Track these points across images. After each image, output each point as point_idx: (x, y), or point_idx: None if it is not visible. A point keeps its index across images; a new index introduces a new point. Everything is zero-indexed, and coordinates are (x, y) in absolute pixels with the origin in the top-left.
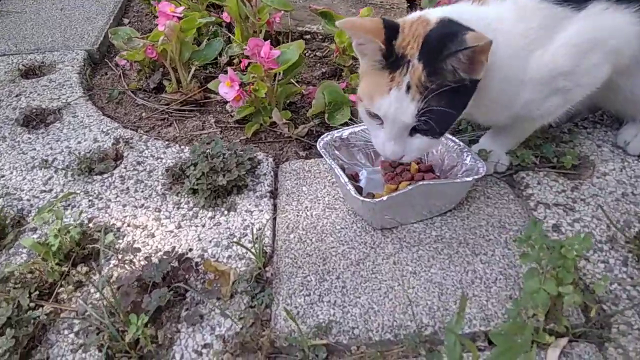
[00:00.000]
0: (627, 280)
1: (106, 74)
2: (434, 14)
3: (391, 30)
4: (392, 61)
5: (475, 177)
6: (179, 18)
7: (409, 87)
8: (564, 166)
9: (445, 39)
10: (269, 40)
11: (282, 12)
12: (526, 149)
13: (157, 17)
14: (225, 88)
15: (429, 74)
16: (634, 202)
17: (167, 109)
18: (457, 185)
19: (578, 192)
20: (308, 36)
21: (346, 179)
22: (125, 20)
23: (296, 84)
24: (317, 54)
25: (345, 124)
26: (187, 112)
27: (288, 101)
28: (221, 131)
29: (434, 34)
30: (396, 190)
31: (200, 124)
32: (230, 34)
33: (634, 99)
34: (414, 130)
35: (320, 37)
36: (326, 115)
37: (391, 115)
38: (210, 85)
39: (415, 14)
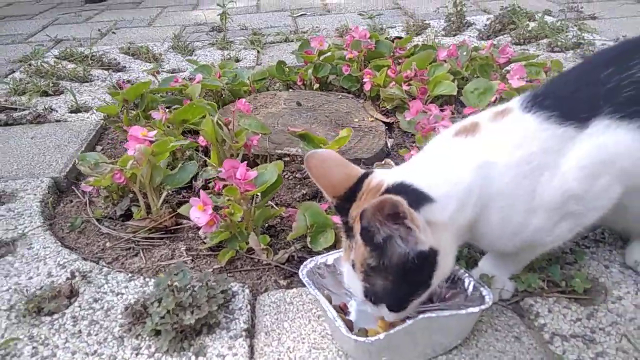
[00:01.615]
0: None
1: (71, 201)
2: (390, 176)
3: (352, 192)
4: (347, 228)
5: (482, 307)
6: (151, 142)
7: (354, 265)
8: (575, 291)
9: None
10: (246, 162)
11: (260, 135)
12: (531, 272)
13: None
14: (197, 212)
15: (370, 253)
16: None
17: (133, 237)
18: (463, 318)
19: (595, 320)
20: (287, 158)
21: (335, 313)
22: (99, 148)
23: (275, 207)
24: (296, 175)
25: (331, 248)
26: (155, 240)
27: (266, 225)
28: (192, 260)
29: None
30: (392, 325)
31: (169, 252)
32: (206, 158)
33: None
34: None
35: (300, 159)
36: (308, 239)
37: (348, 287)
38: (181, 210)
39: (380, 177)
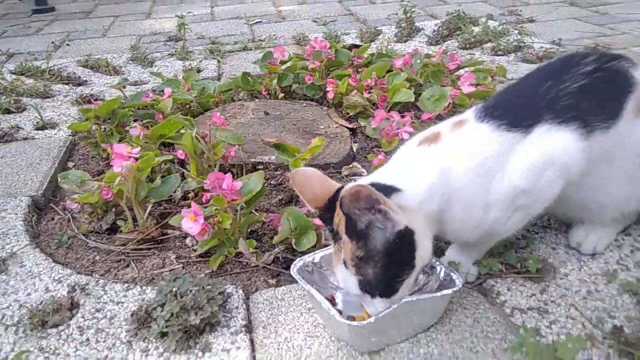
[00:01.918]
0: None
1: (52, 219)
2: (366, 182)
3: (332, 203)
4: (334, 234)
5: (454, 289)
6: (136, 158)
7: (345, 263)
8: (529, 270)
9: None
10: (229, 173)
11: (237, 146)
12: (491, 257)
13: (104, 159)
14: (189, 222)
15: (357, 245)
16: (600, 298)
17: (123, 249)
18: (438, 299)
19: (547, 294)
20: (261, 166)
21: (329, 305)
22: (71, 164)
23: (256, 213)
24: (271, 182)
25: (312, 249)
26: (144, 251)
27: (249, 230)
28: (183, 267)
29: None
30: None
31: (160, 261)
32: (183, 170)
33: (582, 204)
34: (369, 293)
35: (273, 166)
36: (293, 241)
37: (344, 287)
38: (171, 221)
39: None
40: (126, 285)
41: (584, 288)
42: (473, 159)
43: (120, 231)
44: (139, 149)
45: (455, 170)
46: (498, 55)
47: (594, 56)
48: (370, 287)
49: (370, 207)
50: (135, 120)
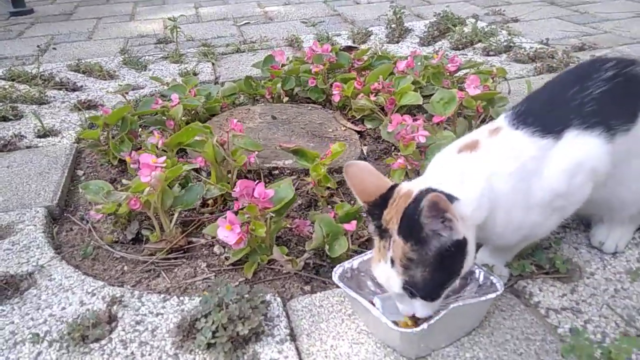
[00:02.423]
0: None
1: (71, 229)
2: (416, 186)
3: (383, 200)
4: (380, 230)
5: (498, 292)
6: (162, 167)
7: (392, 262)
8: (558, 271)
9: (417, 213)
10: (258, 181)
11: (256, 152)
12: (521, 259)
13: (115, 167)
14: (225, 232)
15: (411, 247)
16: (628, 296)
17: (151, 259)
18: (482, 304)
19: (577, 294)
20: (276, 171)
21: (378, 312)
22: (80, 172)
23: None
24: None
25: (345, 253)
26: (173, 260)
27: (275, 236)
28: (215, 275)
29: (410, 209)
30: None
31: (191, 270)
32: (201, 177)
33: (605, 202)
34: (412, 294)
35: (288, 171)
36: (327, 247)
37: (384, 284)
38: (206, 230)
39: (408, 187)
40: (162, 295)
41: (611, 287)
42: (513, 165)
43: (147, 241)
44: (164, 157)
45: (498, 177)
46: (490, 55)
47: (612, 62)
48: (414, 289)
49: (438, 214)
50: (142, 127)
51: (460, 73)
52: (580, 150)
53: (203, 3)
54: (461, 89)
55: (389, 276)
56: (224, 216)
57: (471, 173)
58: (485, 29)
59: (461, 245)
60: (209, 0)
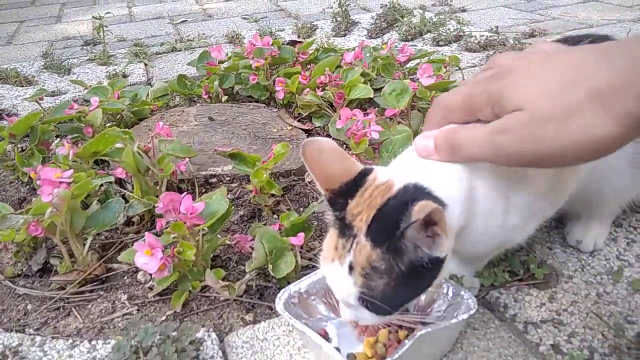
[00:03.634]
0: None
1: None
2: (397, 176)
3: (350, 187)
4: (342, 224)
5: (471, 312)
6: (68, 183)
7: (351, 268)
8: (534, 276)
9: (398, 214)
10: (186, 193)
11: (187, 159)
12: (494, 266)
13: (25, 184)
14: (144, 258)
15: (381, 255)
16: (612, 301)
17: (61, 294)
18: (455, 327)
19: (556, 302)
20: (214, 179)
21: (333, 344)
22: None
23: (218, 235)
24: (228, 196)
25: (293, 272)
26: (88, 294)
27: (211, 255)
28: (138, 309)
29: (388, 207)
30: (376, 342)
31: (109, 305)
32: (124, 190)
33: (585, 198)
34: (367, 308)
35: (228, 178)
36: (270, 267)
37: (333, 288)
38: (121, 257)
39: (386, 176)
40: (70, 341)
41: (592, 291)
42: (490, 166)
43: (56, 272)
44: (70, 171)
45: (475, 180)
46: (440, 45)
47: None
48: (371, 304)
49: (428, 228)
50: (58, 137)
51: (412, 64)
52: None
53: (137, 2)
54: (413, 80)
55: (344, 284)
56: (143, 239)
57: (449, 176)
58: (434, 19)
59: (439, 262)
60: None
